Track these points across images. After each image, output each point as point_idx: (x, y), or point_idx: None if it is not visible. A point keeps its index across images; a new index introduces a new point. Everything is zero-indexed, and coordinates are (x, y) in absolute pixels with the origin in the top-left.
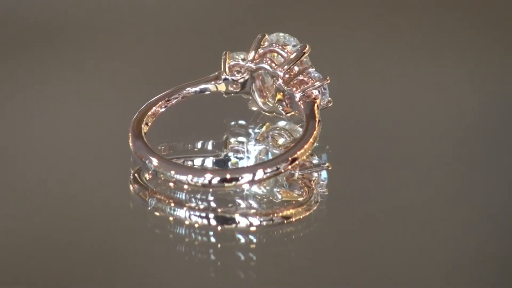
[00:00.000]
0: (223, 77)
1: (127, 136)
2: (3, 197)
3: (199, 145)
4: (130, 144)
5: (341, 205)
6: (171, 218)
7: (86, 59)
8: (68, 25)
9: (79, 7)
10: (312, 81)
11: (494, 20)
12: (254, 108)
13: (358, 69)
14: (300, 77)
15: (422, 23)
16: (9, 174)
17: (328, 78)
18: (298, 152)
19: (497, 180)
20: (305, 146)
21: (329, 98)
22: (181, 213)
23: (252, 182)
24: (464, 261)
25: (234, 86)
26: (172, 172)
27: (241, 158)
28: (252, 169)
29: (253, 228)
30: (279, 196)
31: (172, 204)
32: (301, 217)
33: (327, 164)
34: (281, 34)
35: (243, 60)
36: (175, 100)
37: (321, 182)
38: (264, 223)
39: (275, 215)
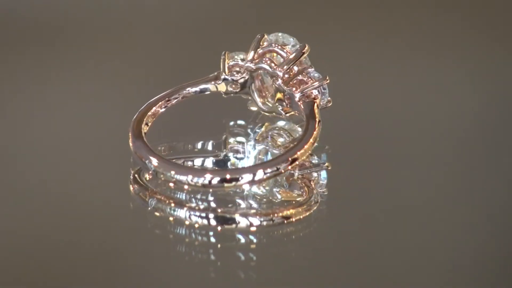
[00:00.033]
0: (222, 77)
1: (127, 136)
2: (3, 197)
3: (199, 145)
4: (130, 144)
5: (341, 205)
6: (171, 219)
7: (86, 59)
8: (68, 25)
9: (79, 7)
10: (311, 81)
11: (494, 20)
12: (253, 108)
13: (358, 69)
14: (300, 77)
15: (422, 23)
16: (9, 174)
17: (327, 78)
18: (298, 153)
19: (497, 180)
20: (305, 147)
21: (329, 98)
22: (182, 213)
23: (252, 182)
24: (464, 261)
25: (233, 86)
26: (172, 172)
27: (240, 158)
28: (252, 170)
29: (253, 228)
30: (279, 196)
31: (172, 205)
32: (301, 217)
33: (326, 164)
34: (280, 34)
35: (243, 60)
36: (175, 100)
37: (320, 182)
38: (264, 223)
39: (275, 215)
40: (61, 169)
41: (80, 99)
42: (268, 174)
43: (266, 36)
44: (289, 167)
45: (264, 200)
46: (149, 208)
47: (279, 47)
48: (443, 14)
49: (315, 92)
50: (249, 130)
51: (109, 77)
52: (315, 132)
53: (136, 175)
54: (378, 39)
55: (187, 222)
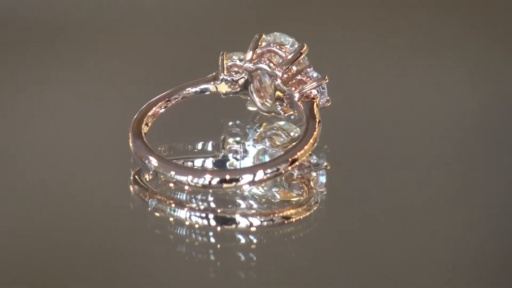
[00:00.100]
0: (221, 77)
1: (127, 137)
2: (3, 197)
3: (199, 146)
4: (130, 145)
5: (341, 205)
6: (171, 219)
7: (86, 59)
8: (68, 25)
9: (79, 7)
10: (310, 80)
11: (494, 20)
12: (251, 108)
13: (357, 69)
14: (299, 77)
15: (422, 23)
16: (9, 174)
17: (326, 77)
18: (298, 153)
19: (497, 180)
20: (305, 147)
21: (328, 98)
22: (182, 213)
23: (252, 183)
24: (464, 261)
25: (232, 86)
26: (172, 173)
27: (239, 159)
28: (252, 170)
29: (253, 229)
30: (278, 196)
31: (173, 205)
32: (301, 217)
33: (325, 164)
34: (278, 34)
35: (241, 60)
36: (175, 100)
37: (320, 182)
38: (265, 223)
39: (275, 215)
40: (61, 169)
41: (80, 99)
42: (268, 175)
43: (264, 36)
44: (289, 168)
45: (264, 200)
46: (149, 209)
47: (278, 47)
48: (443, 14)
49: (314, 91)
50: (247, 130)
51: (109, 77)
52: (315, 133)
53: (136, 176)
54: (378, 39)
55: (187, 223)
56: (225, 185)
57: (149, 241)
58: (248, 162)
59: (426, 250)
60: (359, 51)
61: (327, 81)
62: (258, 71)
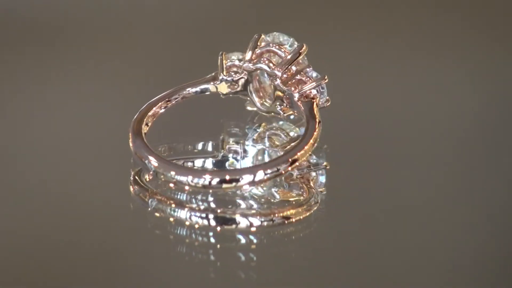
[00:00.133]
0: (220, 77)
1: (127, 137)
2: (3, 197)
3: (199, 146)
4: (131, 145)
5: (341, 205)
6: (171, 219)
7: (86, 59)
8: (68, 25)
9: (79, 7)
10: (310, 80)
11: (494, 20)
12: (250, 108)
13: (357, 69)
14: (298, 77)
15: (422, 23)
16: (9, 174)
17: (326, 77)
18: (299, 153)
19: (497, 180)
20: (306, 147)
21: (327, 97)
22: (182, 214)
23: (252, 183)
24: (464, 261)
25: (232, 86)
26: (172, 173)
27: (238, 159)
28: (252, 170)
29: (253, 229)
30: (277, 196)
31: (173, 205)
32: (301, 217)
33: (325, 164)
34: (277, 33)
35: (240, 60)
36: (175, 100)
37: (319, 182)
38: (265, 223)
39: (276, 215)
40: (61, 169)
41: (80, 99)
42: (268, 175)
43: (263, 36)
44: (289, 168)
45: (263, 200)
46: (149, 209)
47: (277, 47)
48: (443, 14)
49: (314, 91)
50: (247, 131)
51: (109, 77)
52: (315, 133)
53: (136, 176)
54: (378, 39)
55: (187, 223)
56: (225, 186)
57: (149, 241)
58: (247, 162)
59: (426, 250)
60: (359, 51)
61: (326, 80)
62: (257, 71)
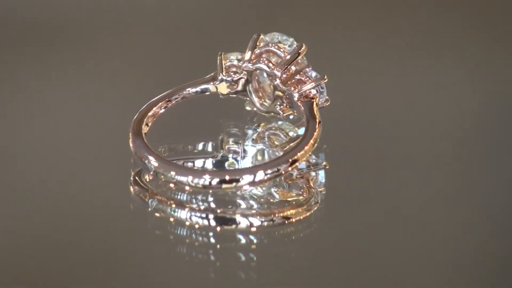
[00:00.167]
0: (219, 77)
1: (127, 137)
2: (3, 197)
3: (199, 146)
4: (131, 145)
5: (341, 205)
6: (171, 219)
7: (86, 59)
8: (68, 25)
9: (79, 7)
10: (309, 80)
11: (494, 20)
12: (249, 108)
13: (357, 69)
14: (298, 77)
15: (422, 23)
16: (9, 174)
17: (325, 77)
18: (299, 154)
19: (497, 180)
20: (306, 148)
21: (327, 97)
22: (182, 214)
23: (252, 183)
24: (464, 261)
25: (231, 87)
26: (173, 173)
27: (237, 159)
28: (252, 171)
29: (253, 229)
30: (277, 196)
31: (173, 205)
32: (302, 217)
33: (324, 163)
34: (276, 33)
35: (239, 60)
36: (175, 100)
37: (319, 182)
38: (265, 223)
39: (276, 215)
40: (61, 169)
41: (80, 99)
42: (268, 175)
43: (262, 36)
44: (289, 168)
45: (263, 200)
46: (149, 209)
47: (276, 46)
48: (443, 14)
49: (313, 91)
50: (246, 131)
51: (109, 77)
52: (315, 133)
53: (136, 177)
54: (378, 39)
55: (187, 223)
56: (225, 186)
57: (149, 241)
58: (247, 162)
59: (426, 250)
60: (359, 51)
61: (326, 80)
62: (257, 71)
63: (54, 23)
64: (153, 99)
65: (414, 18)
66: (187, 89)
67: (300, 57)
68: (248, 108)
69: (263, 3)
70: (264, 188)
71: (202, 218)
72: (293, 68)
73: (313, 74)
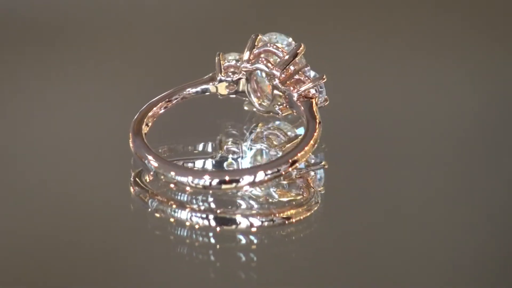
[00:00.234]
0: (218, 78)
1: (127, 137)
2: (3, 197)
3: (199, 146)
4: (131, 145)
5: (341, 205)
6: (172, 220)
7: (86, 59)
8: (68, 25)
9: (79, 7)
10: (308, 80)
11: (494, 20)
12: (247, 109)
13: (357, 69)
14: (297, 77)
15: (422, 23)
16: (9, 174)
17: (324, 76)
18: (299, 154)
19: (497, 180)
20: (306, 148)
21: (326, 97)
22: (183, 214)
23: (252, 184)
24: (464, 261)
25: (230, 87)
26: (172, 173)
27: (236, 159)
28: (252, 171)
29: (254, 229)
30: (276, 196)
31: (174, 206)
32: (302, 217)
33: (323, 163)
34: (274, 33)
35: (237, 60)
36: (175, 100)
37: (318, 181)
38: (265, 223)
39: (276, 215)
40: (61, 169)
41: (80, 99)
42: (268, 176)
43: (260, 36)
44: (290, 169)
45: (262, 200)
46: (149, 210)
47: (274, 46)
48: (443, 14)
49: (312, 91)
50: (244, 131)
51: (109, 77)
52: (315, 134)
53: (136, 178)
54: (378, 39)
55: (188, 223)
56: (225, 186)
57: (149, 241)
58: (245, 162)
59: (426, 250)
60: (359, 51)
61: (325, 80)
62: (255, 72)
63: (54, 23)
64: (153, 99)
65: (414, 18)
66: (187, 89)
67: (298, 57)
68: (246, 108)
69: (263, 3)
70: (263, 188)
71: (202, 218)
72: (292, 68)
73: (312, 73)
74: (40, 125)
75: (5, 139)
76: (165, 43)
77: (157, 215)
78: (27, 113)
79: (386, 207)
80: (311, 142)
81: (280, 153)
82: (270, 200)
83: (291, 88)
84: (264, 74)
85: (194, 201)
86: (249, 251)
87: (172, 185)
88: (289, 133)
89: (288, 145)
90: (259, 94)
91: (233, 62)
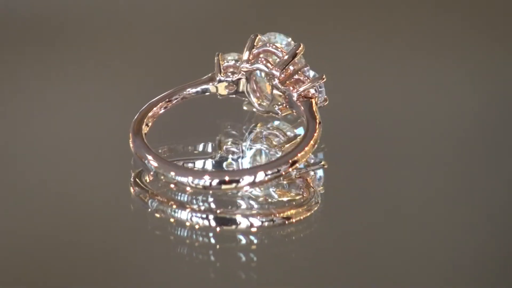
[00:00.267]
0: (217, 78)
1: (127, 137)
2: (3, 197)
3: (200, 147)
4: (131, 145)
5: (341, 205)
6: (172, 220)
7: (86, 59)
8: (68, 25)
9: (79, 7)
10: (308, 80)
11: (494, 20)
12: (247, 109)
13: (357, 69)
14: (296, 76)
15: (422, 23)
16: (9, 174)
17: (324, 76)
18: (299, 155)
19: (497, 180)
20: (306, 149)
21: (325, 96)
22: (183, 214)
23: (252, 184)
24: (464, 261)
25: (229, 87)
26: (172, 174)
27: (236, 159)
28: (252, 171)
29: (254, 229)
30: (276, 196)
31: (174, 206)
32: (302, 217)
33: (322, 163)
34: (273, 33)
35: (237, 61)
36: (175, 101)
37: (317, 181)
38: (265, 224)
39: (276, 215)
40: (61, 169)
41: (80, 99)
42: (269, 176)
43: (259, 36)
44: (290, 169)
45: (261, 200)
46: (149, 210)
47: (274, 46)
48: (443, 14)
49: (312, 91)
50: (244, 131)
51: (109, 77)
52: (315, 134)
53: (136, 178)
54: (378, 39)
55: (188, 224)
56: (225, 187)
57: (149, 241)
58: (245, 162)
59: (426, 250)
60: (359, 51)
61: (324, 79)
62: (254, 72)
63: (54, 23)
64: (153, 100)
65: (414, 18)
66: (187, 90)
67: (297, 57)
68: (246, 108)
69: (263, 3)
70: (262, 188)
71: (203, 218)
72: (291, 68)
73: (311, 73)
74: (40, 125)
75: (5, 139)
76: (165, 43)
77: (157, 215)
78: (27, 113)
79: (386, 207)
80: (311, 142)
81: (280, 153)
82: (270, 200)
83: (291, 88)
84: (263, 74)
85: (194, 201)
86: (249, 251)
87: (172, 185)
88: (288, 133)
89: (288, 145)
90: (258, 94)
91: (233, 62)
